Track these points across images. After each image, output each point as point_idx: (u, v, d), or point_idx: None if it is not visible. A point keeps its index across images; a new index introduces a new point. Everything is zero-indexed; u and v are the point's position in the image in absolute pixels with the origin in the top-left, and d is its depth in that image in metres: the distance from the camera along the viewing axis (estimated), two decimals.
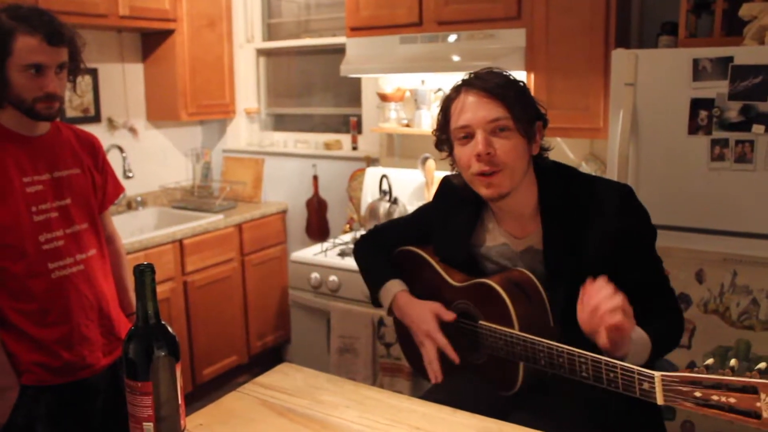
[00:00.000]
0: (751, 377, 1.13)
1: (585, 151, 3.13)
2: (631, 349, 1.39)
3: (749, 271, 2.24)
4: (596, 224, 1.55)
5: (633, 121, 2.36)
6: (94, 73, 3.73)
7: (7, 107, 1.78)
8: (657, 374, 1.25)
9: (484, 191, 1.57)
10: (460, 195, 1.71)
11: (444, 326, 1.68)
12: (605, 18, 2.69)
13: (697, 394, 1.19)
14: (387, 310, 1.83)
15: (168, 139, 4.28)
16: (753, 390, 1.13)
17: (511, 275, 1.62)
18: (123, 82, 3.94)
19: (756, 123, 2.15)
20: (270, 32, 4.39)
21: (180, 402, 1.27)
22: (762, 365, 1.14)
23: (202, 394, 3.55)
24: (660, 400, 1.25)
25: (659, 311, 1.56)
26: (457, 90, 1.60)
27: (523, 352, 1.50)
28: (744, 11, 2.32)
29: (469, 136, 1.54)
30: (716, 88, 2.21)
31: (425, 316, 1.69)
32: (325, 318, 3.19)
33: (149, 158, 4.13)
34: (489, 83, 1.54)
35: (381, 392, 1.60)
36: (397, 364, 2.92)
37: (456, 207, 1.78)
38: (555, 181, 1.63)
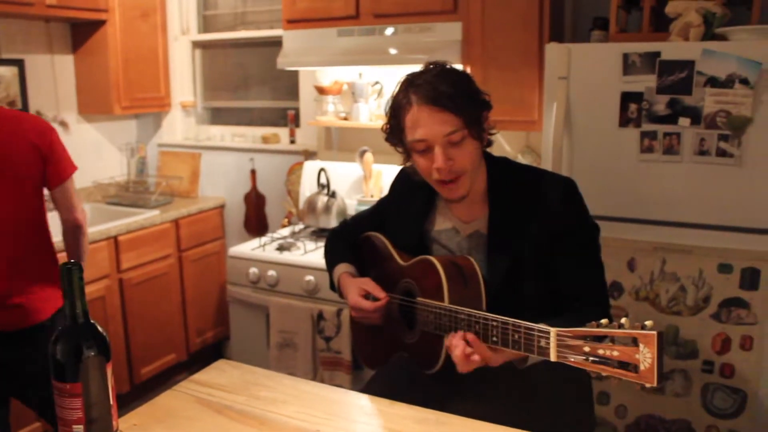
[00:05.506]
0: (634, 329, 1.18)
1: (521, 144, 3.18)
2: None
3: (677, 259, 2.31)
4: (539, 213, 1.63)
5: (566, 114, 2.41)
6: (20, 64, 3.59)
7: None
8: (553, 330, 1.31)
9: (446, 195, 1.66)
10: (415, 183, 1.78)
11: (387, 306, 1.74)
12: (539, 12, 2.73)
13: (586, 348, 1.25)
14: (339, 295, 1.90)
15: (101, 133, 4.16)
16: (634, 342, 1.18)
17: (455, 258, 1.68)
18: (52, 74, 3.81)
19: (682, 116, 2.22)
20: (205, 24, 4.32)
21: (112, 403, 1.24)
22: (649, 323, 1.19)
23: (141, 393, 3.48)
24: (553, 357, 1.31)
25: (583, 304, 1.62)
26: (406, 96, 1.61)
27: (448, 323, 1.55)
28: (670, 8, 2.39)
29: (428, 149, 1.59)
30: (645, 82, 2.27)
31: (352, 291, 1.77)
32: (265, 313, 3.16)
33: (82, 153, 4.00)
34: (438, 93, 1.56)
35: (319, 386, 1.60)
36: (336, 357, 2.92)
37: (410, 194, 1.85)
38: (503, 169, 1.72)
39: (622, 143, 2.34)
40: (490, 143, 1.70)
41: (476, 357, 1.43)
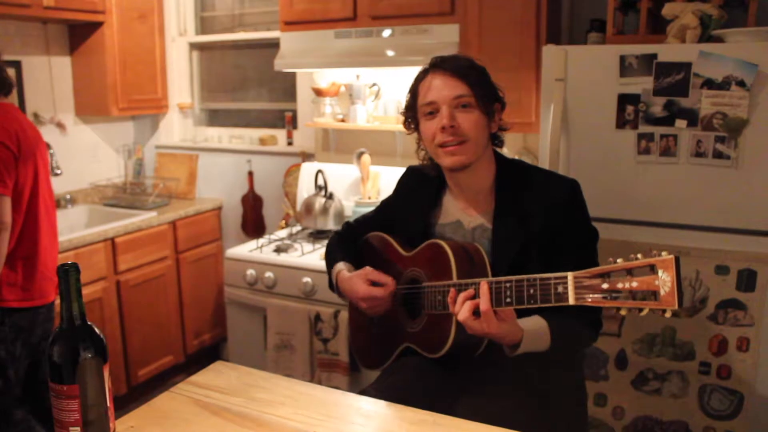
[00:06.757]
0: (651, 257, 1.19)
1: (518, 145, 3.18)
2: (519, 335, 1.51)
3: None
4: (543, 209, 1.66)
5: (563, 116, 2.41)
6: (17, 65, 3.59)
7: None
8: (570, 274, 1.31)
9: (447, 161, 1.68)
10: (423, 177, 1.84)
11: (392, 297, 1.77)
12: (536, 14, 2.74)
13: (605, 285, 1.25)
14: (338, 295, 1.90)
15: (98, 134, 4.16)
16: (652, 270, 1.17)
17: (463, 243, 1.71)
18: (49, 75, 3.81)
19: (678, 118, 2.23)
20: (203, 26, 4.32)
21: (109, 404, 1.24)
22: (665, 253, 1.19)
23: (138, 395, 3.48)
24: (572, 300, 1.31)
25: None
26: (424, 72, 1.74)
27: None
28: (666, 10, 2.39)
29: (434, 112, 1.68)
30: (642, 84, 2.28)
31: (357, 283, 1.78)
32: (262, 314, 3.16)
33: (79, 154, 4.01)
34: (454, 65, 1.69)
35: (316, 388, 1.60)
36: (334, 359, 2.91)
37: (416, 191, 1.89)
38: (512, 167, 1.76)
39: (619, 145, 2.35)
40: (500, 142, 1.78)
41: (482, 308, 1.44)
